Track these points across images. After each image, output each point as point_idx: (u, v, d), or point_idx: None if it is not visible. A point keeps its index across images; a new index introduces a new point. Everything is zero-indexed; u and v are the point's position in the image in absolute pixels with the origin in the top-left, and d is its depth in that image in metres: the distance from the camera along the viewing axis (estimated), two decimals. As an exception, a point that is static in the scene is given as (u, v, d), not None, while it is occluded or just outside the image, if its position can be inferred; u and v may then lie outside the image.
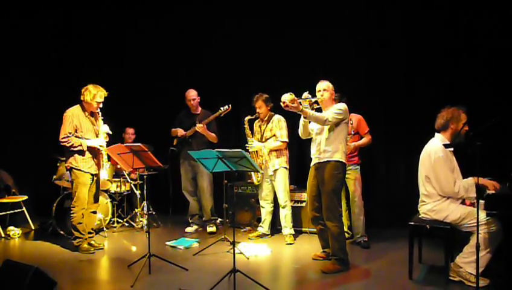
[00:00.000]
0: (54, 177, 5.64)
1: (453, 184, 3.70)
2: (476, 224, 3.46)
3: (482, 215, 3.48)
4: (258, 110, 5.31)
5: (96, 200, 5.05)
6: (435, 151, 3.77)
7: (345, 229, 5.19)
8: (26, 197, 5.89)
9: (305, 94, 4.20)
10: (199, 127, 5.49)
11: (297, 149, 6.02)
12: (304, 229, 5.59)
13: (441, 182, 3.75)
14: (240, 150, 3.74)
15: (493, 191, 3.52)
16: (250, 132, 5.39)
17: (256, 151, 5.32)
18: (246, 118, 5.34)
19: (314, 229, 4.63)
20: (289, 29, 6.27)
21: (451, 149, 3.81)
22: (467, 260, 3.63)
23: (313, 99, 4.23)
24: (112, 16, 7.19)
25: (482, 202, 3.47)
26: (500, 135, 4.38)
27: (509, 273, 3.39)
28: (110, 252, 4.97)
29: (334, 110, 4.13)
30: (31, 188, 6.18)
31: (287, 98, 3.90)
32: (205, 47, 6.79)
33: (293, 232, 5.29)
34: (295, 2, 6.21)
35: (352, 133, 5.08)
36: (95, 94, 4.79)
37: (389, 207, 5.88)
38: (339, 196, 4.25)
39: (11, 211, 5.87)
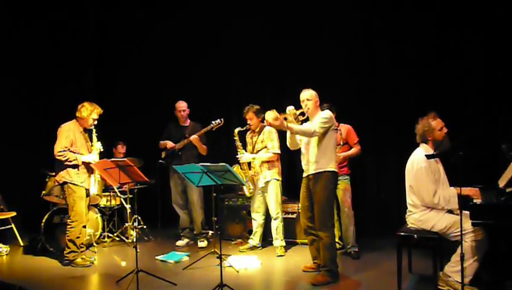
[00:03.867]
0: (43, 192, 5.59)
1: (433, 195, 3.70)
2: (463, 232, 3.48)
3: (468, 224, 3.47)
4: (249, 122, 5.31)
5: (86, 213, 5.02)
6: (418, 161, 3.79)
7: (336, 239, 5.18)
8: (14, 213, 5.84)
9: (289, 108, 4.19)
10: (194, 138, 5.47)
11: (289, 160, 6.00)
12: (296, 240, 5.56)
13: (421, 193, 3.77)
14: (223, 163, 3.74)
15: (479, 200, 3.52)
16: (240, 144, 5.36)
17: (248, 163, 5.32)
18: (236, 130, 5.31)
19: (306, 241, 4.61)
20: (280, 39, 6.30)
21: (437, 158, 3.82)
22: (454, 269, 3.62)
23: (298, 111, 4.23)
24: (101, 31, 7.22)
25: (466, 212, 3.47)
26: (484, 143, 4.44)
27: (495, 282, 3.38)
28: (99, 268, 4.92)
29: (320, 119, 4.10)
30: (20, 204, 6.11)
31: (270, 117, 3.83)
32: (196, 58, 6.79)
33: (284, 244, 5.26)
34: (286, 14, 6.25)
35: (342, 143, 5.09)
36: (92, 111, 4.88)
37: (379, 217, 5.89)
38: (331, 206, 4.24)
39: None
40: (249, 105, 5.33)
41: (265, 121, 3.90)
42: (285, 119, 3.97)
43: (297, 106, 4.27)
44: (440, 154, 3.49)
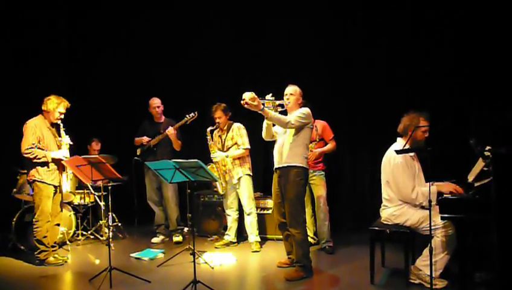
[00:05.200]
0: (14, 190, 5.47)
1: (411, 190, 3.76)
2: (434, 227, 3.55)
3: (439, 218, 3.53)
4: (217, 120, 5.29)
5: (59, 212, 4.95)
6: (394, 156, 3.81)
7: (311, 235, 5.23)
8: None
9: (269, 96, 4.20)
10: (170, 130, 5.43)
11: (263, 156, 6.01)
12: (269, 236, 5.59)
13: (399, 188, 3.81)
14: (196, 160, 3.72)
15: (448, 195, 3.58)
16: (213, 143, 5.33)
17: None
18: (208, 130, 5.29)
19: (280, 236, 4.63)
20: (254, 36, 6.30)
21: (412, 154, 3.87)
22: (425, 262, 3.67)
23: (277, 102, 4.24)
24: (75, 26, 7.11)
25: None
26: (452, 139, 4.51)
27: (464, 274, 3.45)
28: (72, 266, 4.84)
29: (298, 113, 4.14)
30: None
31: (247, 95, 3.87)
32: (171, 55, 6.76)
33: (259, 240, 5.28)
34: (258, 9, 6.24)
35: (317, 139, 5.12)
36: (58, 104, 4.73)
37: (354, 212, 5.95)
38: (302, 202, 4.25)
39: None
40: (216, 104, 5.31)
41: (241, 101, 3.86)
42: (262, 104, 3.97)
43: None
44: (410, 150, 3.53)
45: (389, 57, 5.69)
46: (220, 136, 5.40)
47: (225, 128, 5.34)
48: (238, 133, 5.27)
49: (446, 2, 5.33)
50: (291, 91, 4.31)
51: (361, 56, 5.88)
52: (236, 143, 5.26)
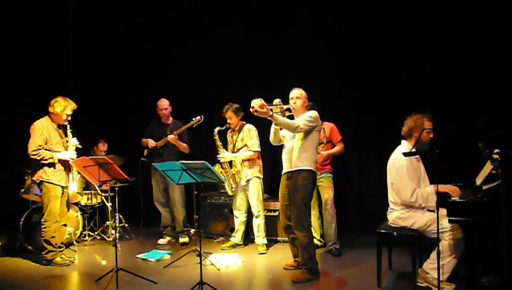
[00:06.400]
0: (22, 190, 5.50)
1: (410, 194, 3.74)
2: (442, 230, 3.53)
3: (446, 221, 3.51)
4: (228, 121, 5.29)
5: (65, 212, 4.97)
6: (399, 159, 3.81)
7: (318, 237, 5.23)
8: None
9: (276, 100, 4.20)
10: (171, 138, 5.45)
11: (271, 158, 6.01)
12: (278, 238, 5.58)
13: (400, 191, 3.80)
14: (203, 161, 3.72)
15: (456, 198, 3.56)
16: (220, 144, 5.34)
17: (229, 162, 5.30)
18: (216, 130, 5.28)
19: (287, 238, 4.62)
20: (260, 38, 6.30)
21: (417, 157, 3.85)
22: (433, 265, 3.65)
23: (285, 106, 4.24)
24: (81, 28, 7.16)
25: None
26: (460, 141, 4.48)
27: (472, 278, 3.43)
28: (79, 267, 4.86)
29: (306, 117, 4.13)
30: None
31: (256, 103, 3.88)
32: (177, 57, 6.77)
33: (266, 242, 5.27)
34: (266, 11, 6.26)
35: (325, 141, 5.12)
36: (65, 106, 4.76)
37: (361, 214, 5.93)
38: (308, 205, 4.24)
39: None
40: (228, 104, 5.31)
41: (250, 108, 3.87)
42: (271, 110, 3.97)
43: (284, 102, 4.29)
44: (418, 153, 3.52)
45: (396, 58, 5.66)
46: (231, 137, 5.41)
47: (237, 128, 5.34)
48: (249, 135, 5.26)
49: (453, 3, 5.32)
50: (297, 94, 4.30)
51: (368, 57, 5.86)
52: (246, 145, 5.26)
